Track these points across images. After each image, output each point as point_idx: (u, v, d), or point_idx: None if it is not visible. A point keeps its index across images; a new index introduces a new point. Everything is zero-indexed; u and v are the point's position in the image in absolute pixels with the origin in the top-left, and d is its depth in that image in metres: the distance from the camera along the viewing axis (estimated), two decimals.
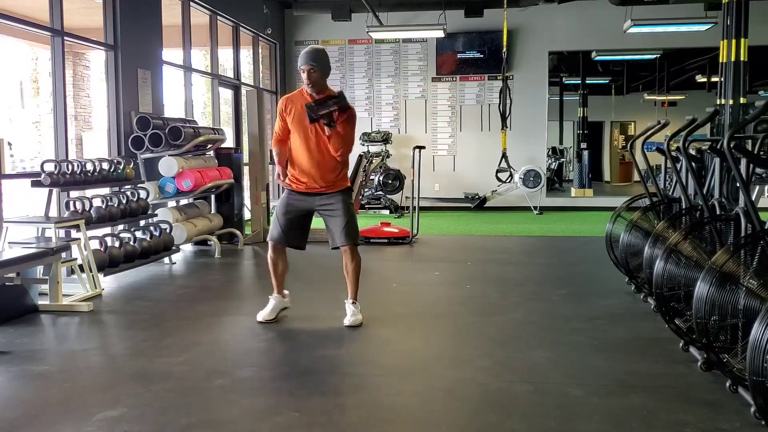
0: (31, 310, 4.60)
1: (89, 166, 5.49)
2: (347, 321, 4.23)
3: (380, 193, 11.23)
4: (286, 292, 4.46)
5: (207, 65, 9.48)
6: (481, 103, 11.74)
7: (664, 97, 17.98)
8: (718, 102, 6.15)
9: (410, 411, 2.97)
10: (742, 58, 5.93)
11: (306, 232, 4.39)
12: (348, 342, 4.00)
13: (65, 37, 5.91)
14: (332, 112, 4.04)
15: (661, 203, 4.84)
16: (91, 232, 5.30)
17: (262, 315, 4.33)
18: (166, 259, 6.47)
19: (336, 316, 4.29)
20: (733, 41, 5.91)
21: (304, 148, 4.19)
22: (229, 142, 8.52)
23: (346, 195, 4.29)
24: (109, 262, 5.34)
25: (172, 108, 7.91)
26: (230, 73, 9.84)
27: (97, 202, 5.51)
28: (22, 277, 4.39)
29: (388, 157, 11.41)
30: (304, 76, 4.10)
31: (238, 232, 7.59)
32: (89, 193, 5.74)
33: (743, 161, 3.24)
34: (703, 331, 3.00)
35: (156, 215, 6.44)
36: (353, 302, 4.31)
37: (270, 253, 4.35)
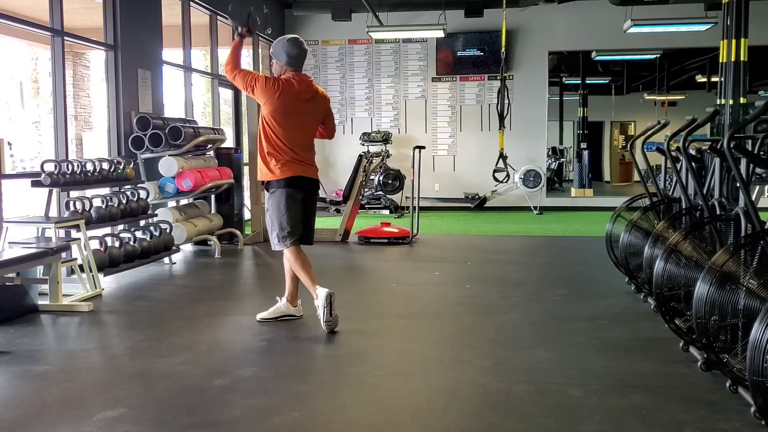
0: (31, 310, 4.60)
1: (89, 166, 5.49)
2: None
3: (380, 193, 11.23)
4: (299, 302, 4.41)
5: (207, 65, 9.48)
6: (481, 103, 11.74)
7: (664, 97, 17.99)
8: (718, 102, 6.16)
9: (410, 411, 2.97)
10: (742, 58, 5.94)
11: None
12: (348, 342, 4.00)
13: (65, 37, 5.91)
14: (230, 13, 4.23)
15: (661, 203, 4.84)
16: (91, 232, 5.30)
17: (261, 314, 4.34)
18: (166, 259, 6.47)
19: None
20: (733, 41, 5.92)
21: None
22: (229, 142, 8.53)
23: (267, 190, 4.23)
24: (109, 262, 5.34)
25: (172, 108, 7.91)
26: None
27: (97, 202, 5.51)
28: (22, 277, 4.39)
29: (388, 157, 11.41)
30: None
31: (238, 232, 7.59)
32: (89, 193, 5.74)
33: (743, 161, 3.24)
34: (703, 331, 3.00)
35: (156, 215, 6.44)
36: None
37: None
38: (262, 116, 4.18)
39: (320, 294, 4.01)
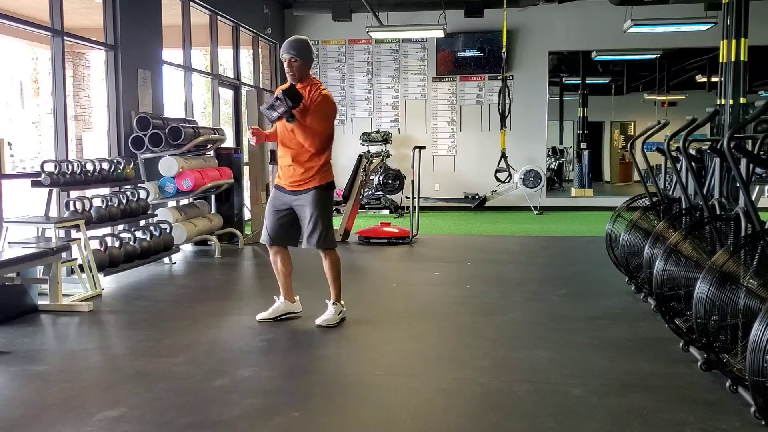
0: (31, 310, 4.60)
1: (89, 166, 5.49)
2: (318, 319, 4.22)
3: (380, 193, 11.23)
4: (296, 298, 4.43)
5: (207, 65, 9.48)
6: (481, 103, 11.74)
7: (664, 97, 17.98)
8: (718, 102, 6.16)
9: (410, 411, 2.97)
10: (742, 58, 5.94)
11: (295, 229, 4.27)
12: (348, 342, 4.00)
13: (65, 37, 5.91)
14: (282, 113, 3.99)
15: (661, 203, 4.84)
16: (91, 232, 5.30)
17: (261, 314, 4.34)
18: (166, 259, 6.47)
19: None
20: (733, 41, 5.92)
21: (280, 143, 4.23)
22: (229, 142, 8.52)
23: (317, 195, 4.13)
24: (109, 262, 5.34)
25: (172, 108, 7.91)
26: (230, 73, 9.84)
27: (97, 202, 5.51)
28: (22, 277, 4.39)
29: (388, 157, 11.41)
30: (285, 65, 4.11)
31: (238, 232, 7.59)
32: (89, 193, 5.74)
33: (743, 161, 3.24)
34: (703, 331, 3.00)
35: (156, 215, 6.44)
36: (333, 303, 4.28)
37: (270, 254, 4.36)
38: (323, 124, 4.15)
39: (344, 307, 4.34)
